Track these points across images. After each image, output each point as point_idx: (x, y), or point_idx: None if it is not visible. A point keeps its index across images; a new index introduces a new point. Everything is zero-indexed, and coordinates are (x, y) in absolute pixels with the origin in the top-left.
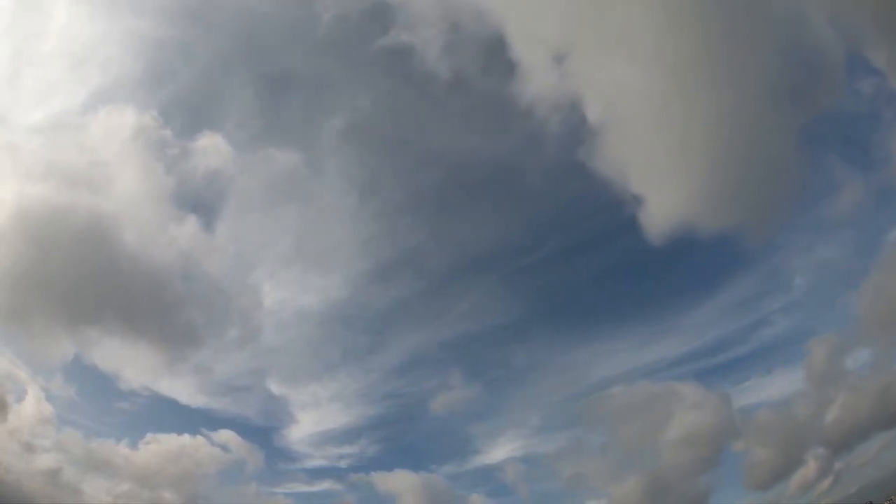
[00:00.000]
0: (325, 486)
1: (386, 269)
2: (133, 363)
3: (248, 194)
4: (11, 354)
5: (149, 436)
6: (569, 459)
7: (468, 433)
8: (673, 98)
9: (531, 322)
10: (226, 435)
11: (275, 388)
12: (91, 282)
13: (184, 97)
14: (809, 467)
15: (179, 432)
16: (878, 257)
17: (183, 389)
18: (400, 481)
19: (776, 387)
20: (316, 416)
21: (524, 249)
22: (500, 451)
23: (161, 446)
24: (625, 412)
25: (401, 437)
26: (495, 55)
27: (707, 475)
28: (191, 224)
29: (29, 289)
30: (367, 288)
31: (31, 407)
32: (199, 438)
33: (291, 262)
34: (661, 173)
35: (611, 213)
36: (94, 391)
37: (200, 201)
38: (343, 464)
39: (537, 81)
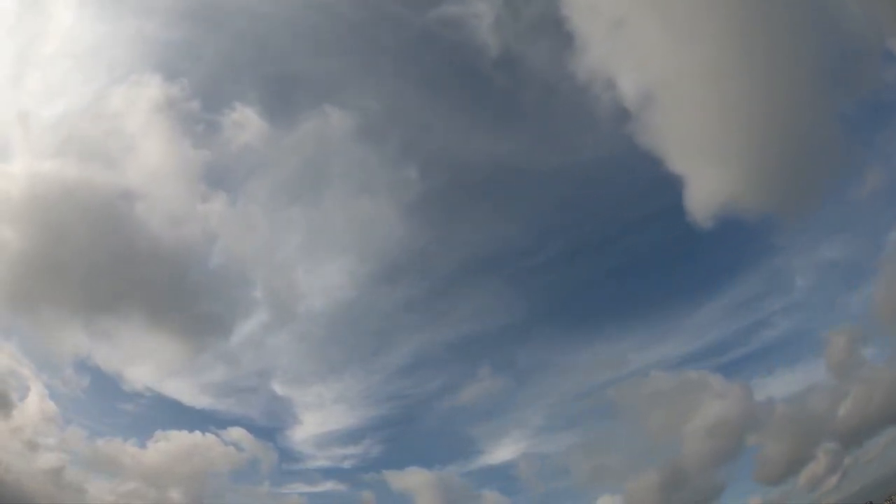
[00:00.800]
0: (328, 486)
1: (393, 271)
2: (154, 355)
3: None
4: (16, 348)
5: (155, 434)
6: (579, 456)
7: (472, 433)
8: (717, 77)
9: (536, 322)
10: (234, 434)
11: (279, 388)
12: (106, 266)
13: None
14: (819, 462)
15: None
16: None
17: (187, 390)
18: (407, 480)
19: (792, 381)
20: (320, 417)
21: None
22: (506, 450)
23: (166, 445)
24: (636, 407)
25: (404, 437)
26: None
27: (721, 469)
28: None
29: (40, 274)
30: (374, 289)
31: (34, 405)
32: (205, 438)
33: (296, 264)
34: (704, 154)
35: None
36: (100, 389)
37: None
38: (347, 464)
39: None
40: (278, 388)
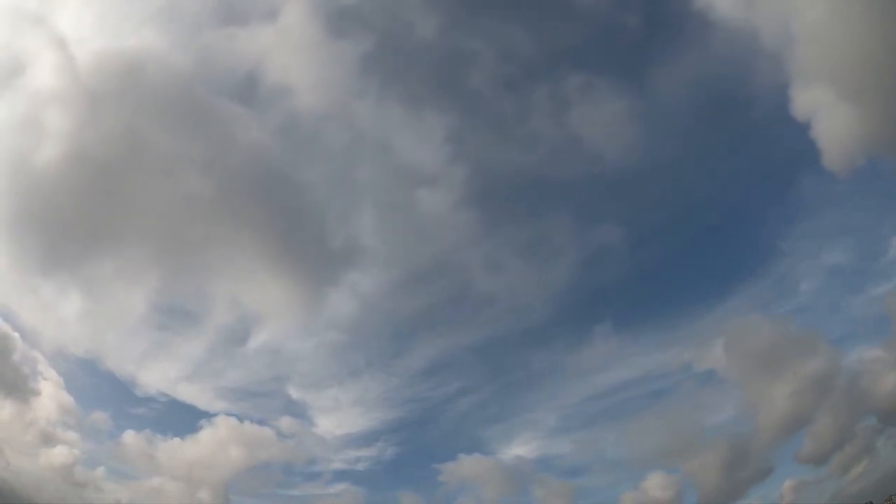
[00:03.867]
0: (340, 488)
1: (416, 277)
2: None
3: None
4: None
5: (169, 435)
6: (591, 456)
7: (487, 434)
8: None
9: (559, 325)
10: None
11: (294, 392)
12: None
13: None
14: (856, 442)
15: (195, 433)
16: None
17: (201, 395)
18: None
19: None
20: (335, 420)
21: None
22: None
23: (182, 445)
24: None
25: (420, 439)
26: None
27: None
28: None
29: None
30: (397, 294)
31: (49, 398)
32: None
33: None
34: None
35: None
36: (110, 396)
37: None
38: (361, 466)
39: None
40: (294, 392)
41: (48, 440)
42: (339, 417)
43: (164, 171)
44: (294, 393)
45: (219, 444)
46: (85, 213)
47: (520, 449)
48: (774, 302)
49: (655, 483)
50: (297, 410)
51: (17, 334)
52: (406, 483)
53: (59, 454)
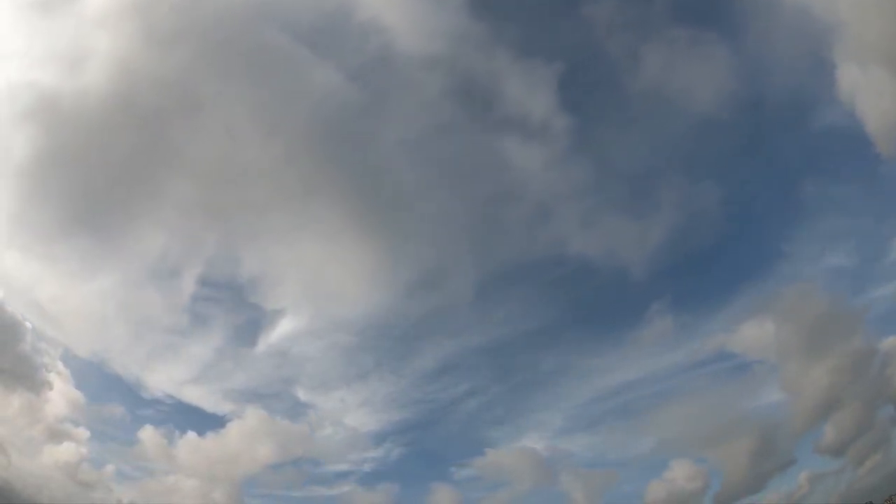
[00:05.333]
0: (345, 489)
1: (427, 280)
2: None
3: None
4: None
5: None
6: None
7: (494, 435)
8: None
9: (565, 327)
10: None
11: (302, 394)
12: None
13: None
14: (874, 432)
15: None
16: None
17: (208, 397)
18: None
19: None
20: (343, 421)
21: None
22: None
23: (188, 445)
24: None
25: (427, 440)
26: None
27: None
28: None
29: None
30: (407, 296)
31: (59, 394)
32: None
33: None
34: None
35: None
36: (113, 397)
37: None
38: (367, 467)
39: None
40: (301, 394)
41: (56, 436)
42: (347, 418)
43: (222, 124)
44: (301, 394)
45: (232, 443)
46: (124, 168)
47: (544, 436)
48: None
49: (681, 472)
50: (305, 411)
51: (28, 323)
52: (412, 484)
53: (65, 451)
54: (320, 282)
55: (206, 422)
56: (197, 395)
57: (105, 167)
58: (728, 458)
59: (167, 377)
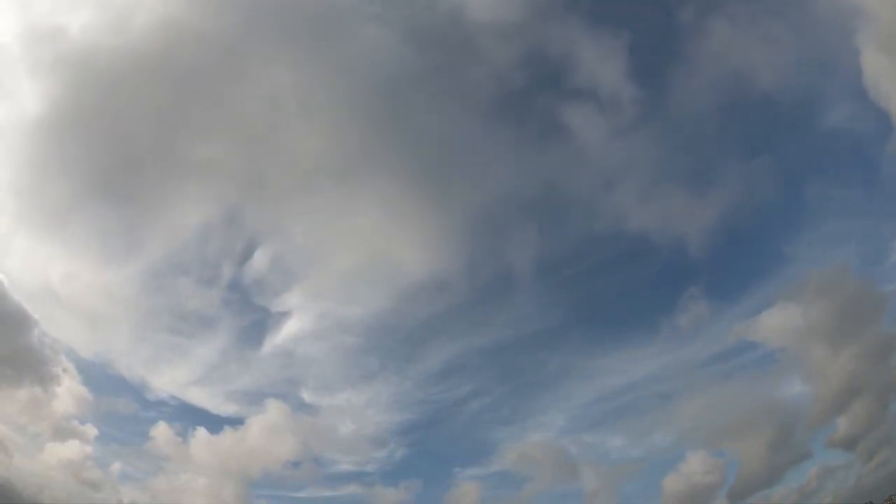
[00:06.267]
0: (349, 490)
1: (434, 282)
2: None
3: None
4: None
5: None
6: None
7: (499, 436)
8: None
9: (569, 328)
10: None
11: (307, 396)
12: None
13: None
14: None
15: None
16: None
17: (211, 399)
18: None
19: None
20: (346, 422)
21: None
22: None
23: (196, 444)
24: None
25: (431, 440)
26: None
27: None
28: None
29: None
30: (413, 298)
31: (66, 390)
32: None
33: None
34: None
35: None
36: (118, 398)
37: None
38: (370, 468)
39: None
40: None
41: (61, 433)
42: (351, 419)
43: (268, 85)
44: (306, 396)
45: (238, 443)
46: (162, 127)
47: (560, 430)
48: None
49: (697, 465)
50: (310, 412)
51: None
52: (418, 484)
53: (69, 449)
54: (373, 253)
55: (213, 422)
56: (202, 396)
57: (133, 132)
58: (745, 450)
59: (170, 379)
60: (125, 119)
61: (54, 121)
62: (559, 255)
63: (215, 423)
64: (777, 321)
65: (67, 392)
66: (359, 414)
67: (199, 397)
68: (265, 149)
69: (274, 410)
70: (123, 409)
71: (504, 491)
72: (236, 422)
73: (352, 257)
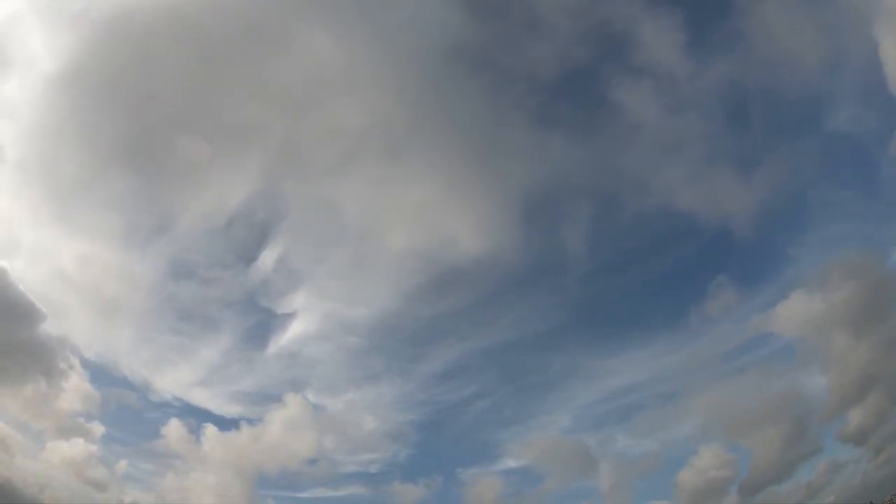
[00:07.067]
0: (351, 490)
1: (437, 284)
2: None
3: None
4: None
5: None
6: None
7: (501, 437)
8: None
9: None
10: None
11: (311, 396)
12: None
13: None
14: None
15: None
16: None
17: (213, 400)
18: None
19: None
20: (348, 422)
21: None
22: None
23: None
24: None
25: (434, 441)
26: None
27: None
28: None
29: None
30: (418, 300)
31: (72, 388)
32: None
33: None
34: None
35: None
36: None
37: None
38: (375, 469)
39: None
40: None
41: (65, 431)
42: (355, 420)
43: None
44: (311, 396)
45: (243, 444)
46: (182, 97)
47: (573, 424)
48: None
49: (710, 460)
50: (314, 413)
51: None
52: (419, 485)
53: (73, 448)
54: (424, 231)
55: (217, 423)
56: (206, 397)
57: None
58: (759, 444)
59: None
60: (153, 81)
61: (72, 80)
62: (612, 234)
63: (220, 423)
64: (802, 307)
65: (74, 388)
66: (363, 415)
67: (203, 397)
68: (305, 120)
69: (279, 411)
70: (133, 405)
71: (511, 489)
72: (241, 423)
73: (401, 234)
